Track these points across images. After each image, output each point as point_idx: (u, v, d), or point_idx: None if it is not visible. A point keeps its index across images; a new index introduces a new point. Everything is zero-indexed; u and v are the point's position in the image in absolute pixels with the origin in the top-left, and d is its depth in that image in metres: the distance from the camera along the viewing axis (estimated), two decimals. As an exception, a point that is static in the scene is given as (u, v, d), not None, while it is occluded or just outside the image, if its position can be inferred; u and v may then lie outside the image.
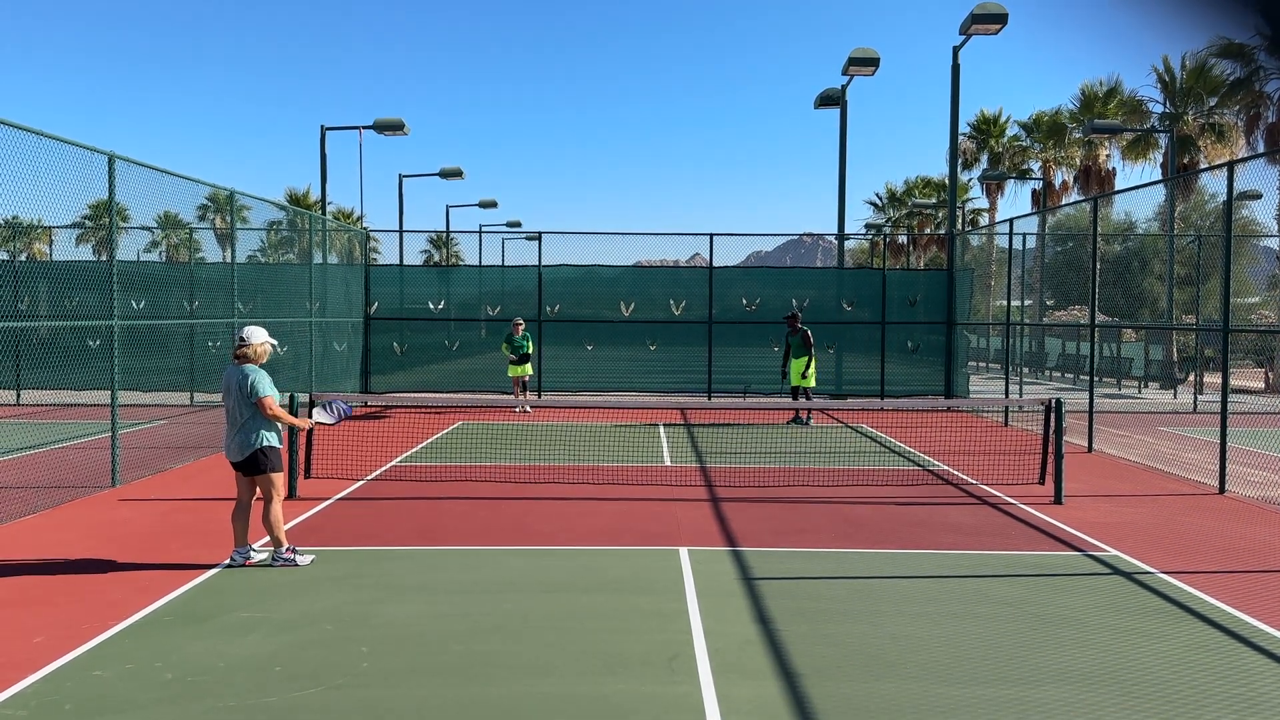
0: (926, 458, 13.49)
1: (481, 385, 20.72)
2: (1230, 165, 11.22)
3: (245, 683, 5.23)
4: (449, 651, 5.73)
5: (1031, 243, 27.75)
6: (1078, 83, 49.38)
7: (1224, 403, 11.28)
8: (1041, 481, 11.21)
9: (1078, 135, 37.77)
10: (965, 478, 11.84)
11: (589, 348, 20.93)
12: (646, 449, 13.97)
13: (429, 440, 14.84)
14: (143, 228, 20.97)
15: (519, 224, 51.87)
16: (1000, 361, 27.80)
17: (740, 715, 4.87)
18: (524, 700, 5.04)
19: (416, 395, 19.81)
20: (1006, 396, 19.18)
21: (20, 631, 6.03)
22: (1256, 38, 20.75)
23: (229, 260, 14.82)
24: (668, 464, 12.79)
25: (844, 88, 24.57)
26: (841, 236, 25.54)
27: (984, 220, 45.71)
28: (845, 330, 21.09)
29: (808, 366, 16.81)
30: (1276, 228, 28.81)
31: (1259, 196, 19.79)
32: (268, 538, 7.70)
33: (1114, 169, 37.68)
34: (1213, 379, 24.98)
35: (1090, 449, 14.19)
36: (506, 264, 25.76)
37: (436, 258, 63.27)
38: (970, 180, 42.78)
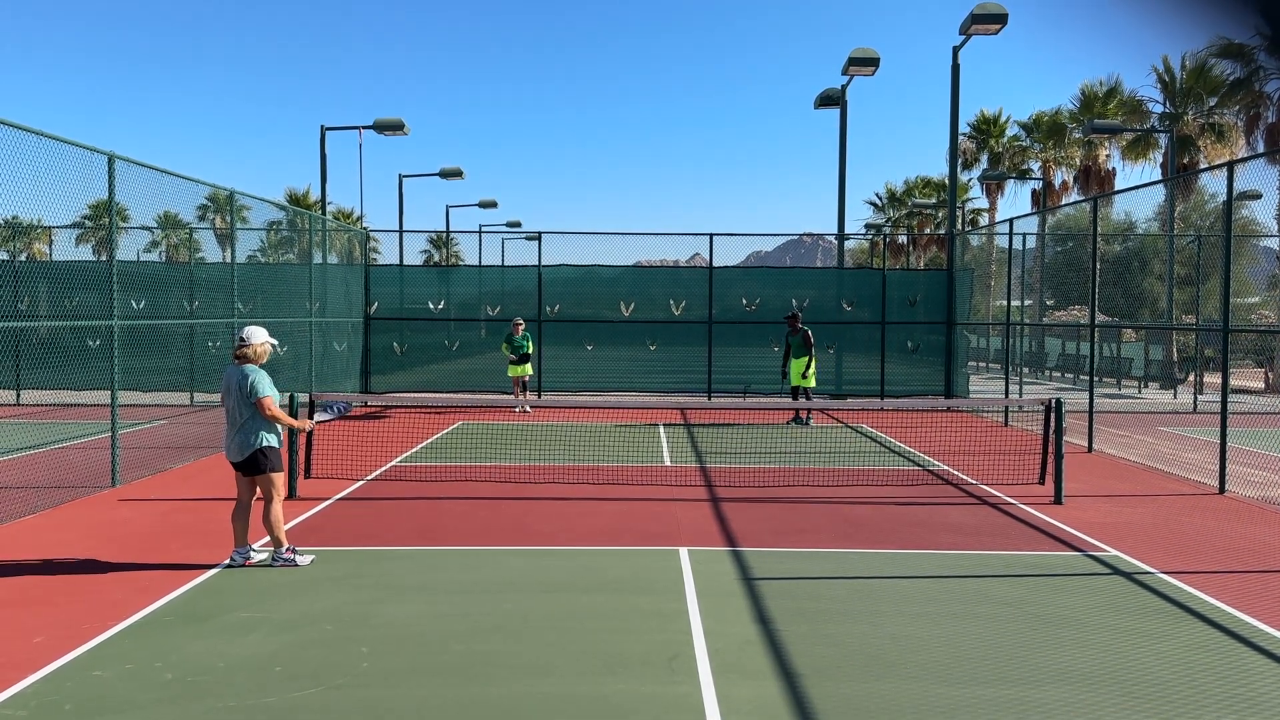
0: (926, 458, 13.49)
1: (481, 385, 20.73)
2: (1230, 165, 11.22)
3: (245, 683, 5.23)
4: (449, 651, 5.73)
5: (1031, 243, 27.76)
6: (1078, 83, 49.43)
7: (1224, 403, 11.28)
8: (1041, 481, 11.21)
9: (1078, 135, 37.78)
10: (965, 478, 11.84)
11: (589, 348, 20.93)
12: (646, 449, 13.97)
13: (429, 440, 14.84)
14: (143, 228, 20.99)
15: (519, 224, 51.91)
16: (1000, 361, 27.80)
17: (740, 715, 4.87)
18: (524, 700, 5.04)
19: (416, 395, 19.81)
20: (1006, 396, 19.18)
21: (20, 631, 6.03)
22: (1256, 38, 20.75)
23: (229, 260, 14.82)
24: (668, 464, 12.79)
25: (844, 88, 24.57)
26: (841, 236, 25.54)
27: (984, 220, 45.72)
28: (845, 330, 21.09)
29: (808, 367, 16.81)
30: (1276, 228, 28.82)
31: (1259, 196, 19.79)
32: (268, 538, 7.70)
33: (1114, 169, 37.73)
34: (1213, 379, 24.98)
35: (1090, 449, 14.19)
36: (506, 264, 25.79)
37: (436, 258, 63.28)
38: (970, 180, 42.81)
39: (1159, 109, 33.61)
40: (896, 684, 5.29)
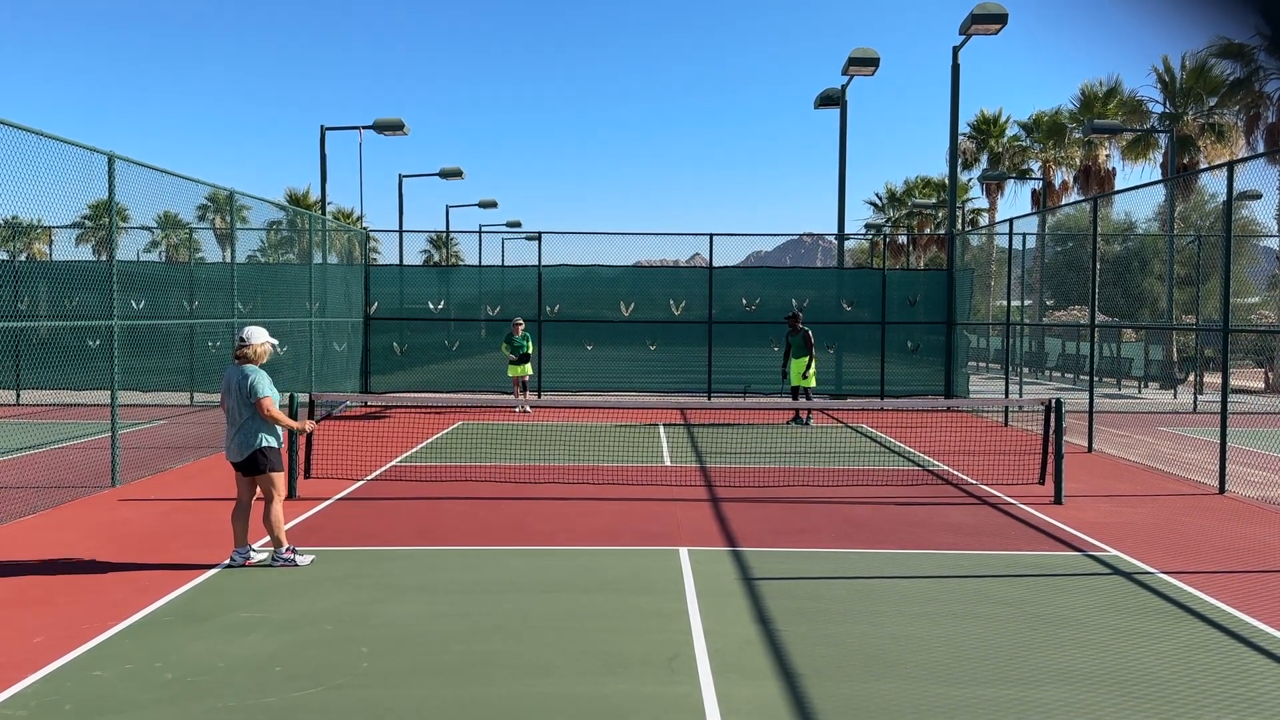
0: (926, 458, 13.49)
1: (481, 385, 20.73)
2: (1230, 165, 11.22)
3: (245, 683, 5.23)
4: (449, 651, 5.73)
5: (1031, 243, 27.76)
6: (1078, 83, 49.43)
7: (1224, 403, 11.28)
8: (1041, 481, 11.21)
9: (1078, 135, 37.78)
10: (965, 478, 11.84)
11: (589, 348, 20.93)
12: (646, 449, 13.97)
13: (429, 440, 14.84)
14: (143, 228, 20.99)
15: (519, 224, 51.91)
16: (1000, 361, 27.80)
17: (740, 715, 4.87)
18: (524, 700, 5.04)
19: (416, 395, 19.81)
20: (1006, 396, 19.18)
21: (20, 631, 6.03)
22: (1256, 38, 20.75)
23: (229, 260, 14.82)
24: (668, 464, 12.79)
25: (844, 88, 24.58)
26: (841, 236, 25.54)
27: (984, 220, 45.72)
28: (845, 330, 21.09)
29: (808, 367, 16.81)
30: (1276, 228, 28.83)
31: (1259, 196, 19.78)
32: (268, 538, 7.70)
33: (1114, 169, 37.74)
34: (1213, 379, 24.98)
35: (1090, 449, 14.19)
36: (506, 264, 25.78)
37: (436, 258, 63.27)
38: (970, 180, 42.81)
39: (1159, 109, 33.63)
40: (896, 684, 5.29)
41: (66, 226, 21.92)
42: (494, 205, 42.91)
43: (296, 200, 48.93)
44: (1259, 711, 4.97)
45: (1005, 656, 5.73)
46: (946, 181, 25.51)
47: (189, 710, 4.89)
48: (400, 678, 5.32)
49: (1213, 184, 38.54)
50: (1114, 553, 8.26)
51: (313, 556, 7.73)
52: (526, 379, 18.82)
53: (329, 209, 27.27)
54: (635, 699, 5.06)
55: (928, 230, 49.66)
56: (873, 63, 22.35)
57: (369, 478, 11.43)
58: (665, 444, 14.59)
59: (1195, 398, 22.41)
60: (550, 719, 4.84)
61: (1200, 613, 6.62)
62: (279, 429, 7.65)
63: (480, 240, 48.00)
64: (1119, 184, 37.91)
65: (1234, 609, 6.66)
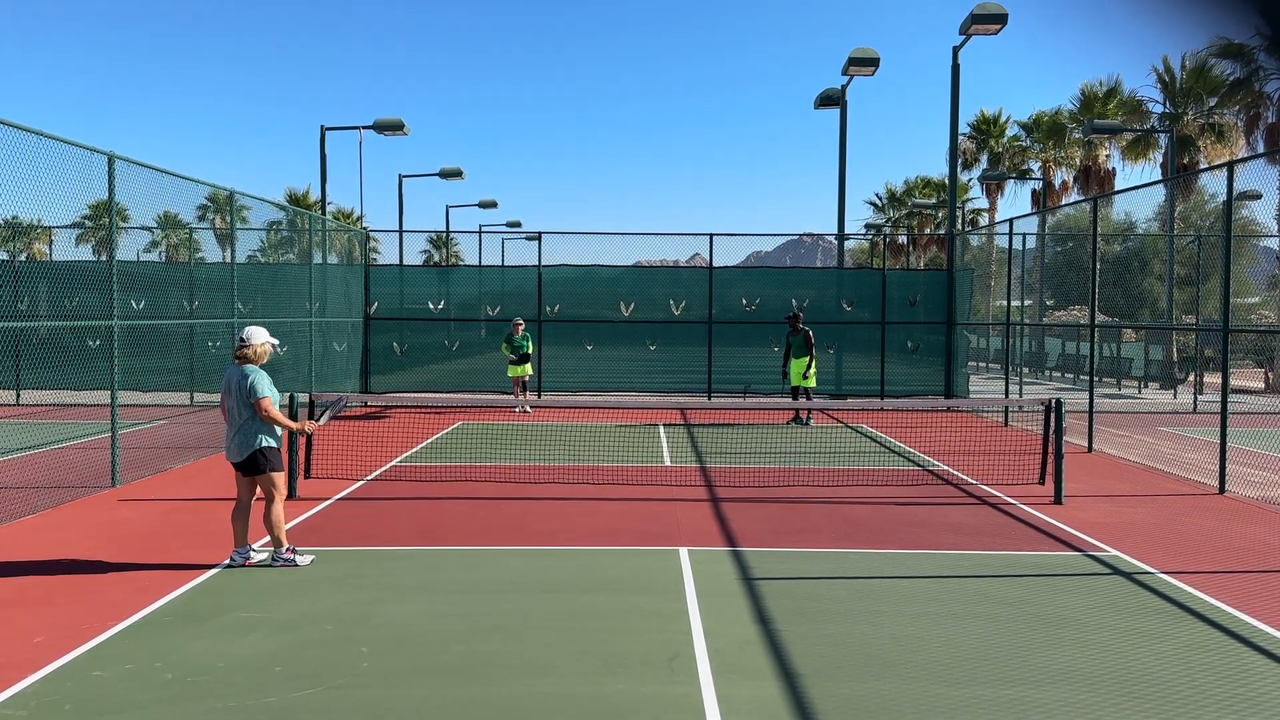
0: (926, 458, 13.49)
1: (481, 385, 20.73)
2: (1230, 165, 11.22)
3: (245, 683, 5.23)
4: (449, 651, 5.73)
5: (1031, 243, 27.76)
6: (1078, 83, 49.38)
7: (1224, 403, 11.28)
8: (1041, 481, 11.21)
9: (1078, 135, 37.78)
10: (965, 478, 11.84)
11: (589, 348, 20.93)
12: (646, 449, 13.97)
13: (429, 440, 14.84)
14: (143, 228, 21.00)
15: (519, 224, 51.91)
16: (1000, 361, 27.80)
17: (740, 715, 4.87)
18: (524, 700, 5.04)
19: (416, 395, 19.81)
20: (1006, 396, 19.18)
21: (20, 631, 6.03)
22: (1256, 38, 20.74)
23: (229, 260, 14.83)
24: (668, 464, 12.79)
25: (844, 88, 24.58)
26: (841, 236, 25.55)
27: (984, 220, 45.72)
28: (845, 330, 21.09)
29: (809, 367, 16.82)
30: (1276, 228, 28.83)
31: (1259, 196, 19.79)
32: (267, 538, 7.70)
33: (1114, 169, 37.73)
34: (1213, 379, 24.98)
35: (1090, 449, 14.19)
36: (506, 264, 25.76)
37: (436, 258, 63.27)
38: (970, 180, 42.81)
39: (1159, 109, 33.63)
40: (896, 684, 5.29)
41: (66, 226, 21.93)
42: (494, 205, 42.92)
43: (296, 200, 48.93)
44: (1259, 711, 4.97)
45: (1005, 656, 5.74)
46: (946, 181, 25.52)
47: (189, 710, 4.89)
48: (400, 678, 5.32)
49: (1213, 184, 38.58)
50: (1114, 553, 8.26)
51: (313, 556, 7.73)
52: (526, 379, 18.82)
53: (329, 209, 27.27)
54: (635, 699, 5.06)
55: (928, 230, 49.67)
56: (873, 63, 22.36)
57: (369, 478, 11.43)
58: (665, 444, 14.59)
59: (1195, 398, 22.41)
60: (550, 719, 4.84)
61: (1200, 613, 6.62)
62: (278, 429, 7.65)
63: (480, 240, 48.03)
64: (1119, 184, 37.96)
65: (1234, 609, 6.66)
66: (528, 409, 18.66)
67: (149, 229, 22.19)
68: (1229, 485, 11.13)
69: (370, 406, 19.03)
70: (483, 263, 39.98)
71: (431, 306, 21.13)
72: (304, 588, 7.00)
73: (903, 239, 50.52)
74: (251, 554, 7.60)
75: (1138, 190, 33.68)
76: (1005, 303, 21.37)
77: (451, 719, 4.83)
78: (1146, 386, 27.44)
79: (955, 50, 19.92)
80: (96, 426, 14.01)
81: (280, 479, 7.68)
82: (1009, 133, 42.21)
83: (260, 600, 6.70)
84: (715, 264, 20.90)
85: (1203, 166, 31.34)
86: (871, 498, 10.56)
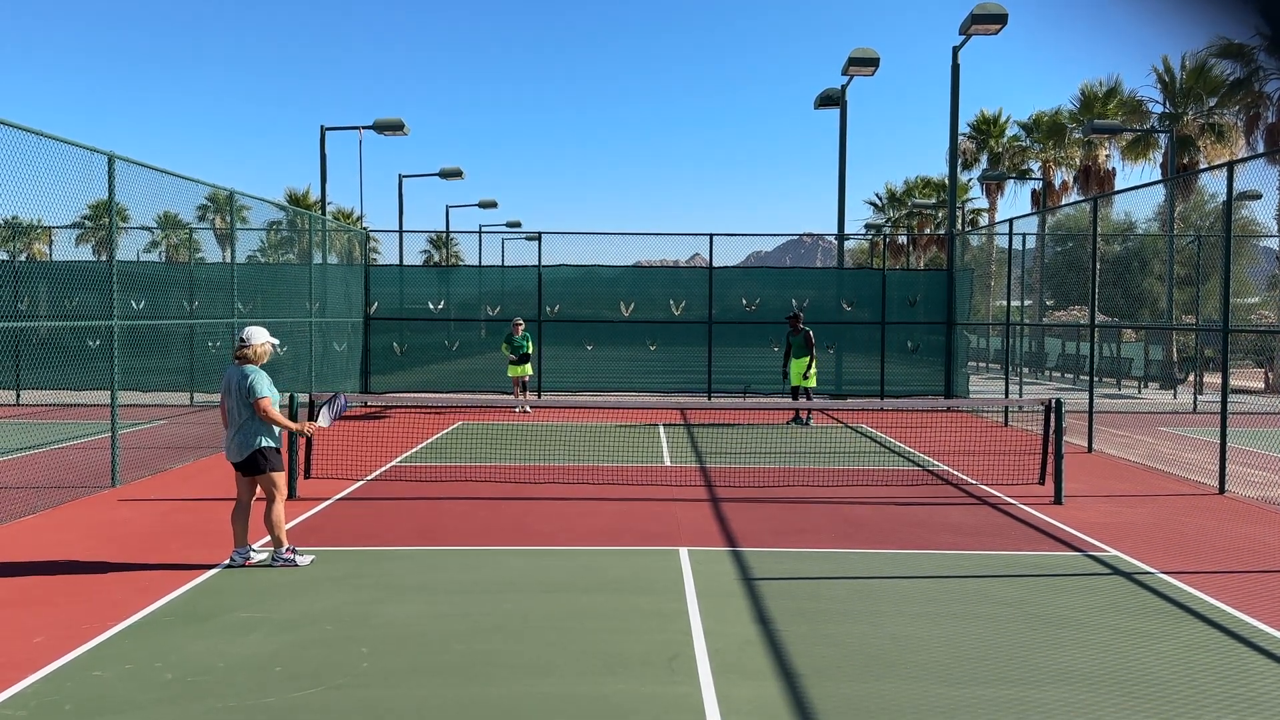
0: (926, 458, 13.49)
1: (481, 385, 20.73)
2: (1230, 165, 11.22)
3: (245, 683, 5.23)
4: (449, 651, 5.73)
5: (1031, 243, 27.76)
6: (1078, 83, 49.38)
7: (1224, 403, 11.28)
8: (1041, 482, 11.21)
9: (1078, 135, 37.78)
10: (965, 478, 11.84)
11: (589, 348, 20.93)
12: (646, 449, 13.97)
13: (429, 440, 14.84)
14: (143, 228, 21.00)
15: (519, 224, 51.91)
16: (1000, 361, 27.80)
17: (740, 715, 4.87)
18: (524, 700, 5.04)
19: (416, 395, 19.82)
20: (1006, 396, 19.19)
21: (20, 631, 6.03)
22: (1256, 38, 20.75)
23: (229, 260, 14.83)
24: (668, 464, 12.79)
25: (844, 88, 24.58)
26: (841, 236, 25.55)
27: (984, 220, 45.72)
28: (845, 330, 21.09)
29: (809, 367, 16.82)
30: (1276, 228, 28.85)
31: (1259, 196, 19.81)
32: (268, 538, 7.70)
33: (1114, 169, 37.74)
34: (1213, 379, 24.98)
35: (1090, 449, 14.19)
36: (506, 264, 25.77)
37: (436, 258, 63.27)
38: (970, 180, 42.81)
39: (1159, 109, 33.64)
40: (896, 684, 5.29)
41: (66, 226, 21.93)
42: (494, 205, 42.91)
43: (296, 200, 48.93)
44: (1259, 711, 4.97)
45: (1005, 656, 5.74)
46: (946, 181, 25.52)
47: (189, 710, 4.89)
48: (400, 678, 5.32)
49: (1213, 184, 38.57)
50: (1114, 553, 8.26)
51: (313, 557, 7.73)
52: (526, 379, 18.82)
53: (329, 209, 27.27)
54: (635, 699, 5.06)
55: (928, 230, 49.66)
56: (873, 63, 22.36)
57: (369, 478, 11.43)
58: (665, 444, 14.59)
59: (1195, 398, 22.41)
60: (550, 719, 4.84)
61: (1200, 613, 6.62)
62: (278, 429, 7.64)
63: (480, 240, 48.02)
64: (1119, 184, 37.96)
65: (1234, 609, 6.66)
66: (528, 409, 18.66)
67: (149, 229, 22.20)
68: (1229, 485, 11.13)
69: (370, 406, 19.03)
70: (483, 263, 40.00)
71: (431, 306, 21.14)
72: (304, 588, 7.00)
73: (903, 239, 50.52)
74: (251, 554, 7.60)
75: (1138, 190, 33.69)
76: (1005, 303, 21.37)
77: (451, 719, 4.83)
78: (1146, 386, 27.44)
79: (955, 50, 19.92)
80: (96, 426, 14.01)
81: (281, 479, 7.68)
82: (1009, 133, 42.22)
83: (260, 600, 6.70)
84: (715, 264, 20.90)
85: (1203, 166, 31.34)
86: (871, 498, 10.56)
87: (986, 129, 42.21)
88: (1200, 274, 24.28)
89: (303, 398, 12.24)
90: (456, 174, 31.67)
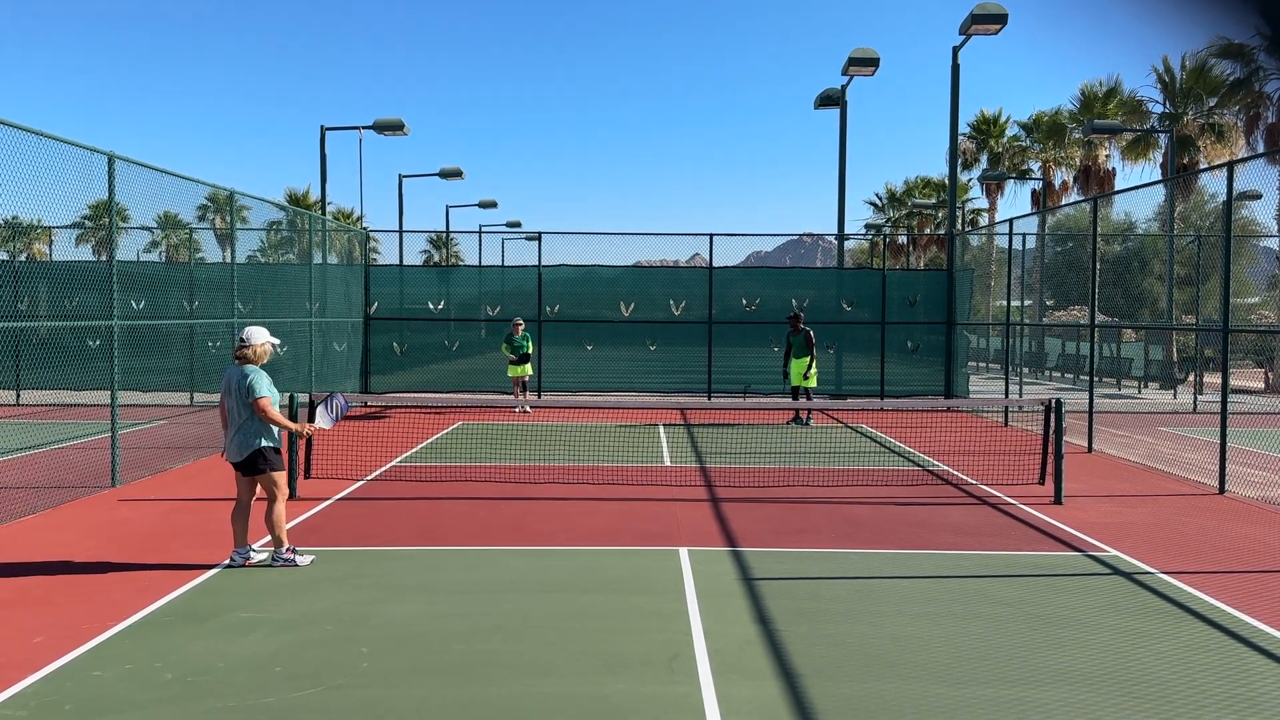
0: (926, 458, 13.49)
1: (481, 385, 20.73)
2: (1230, 165, 11.22)
3: (245, 683, 5.23)
4: (449, 651, 5.73)
5: (1031, 243, 27.75)
6: (1078, 83, 49.41)
7: (1224, 403, 11.28)
8: (1041, 482, 11.21)
9: (1078, 135, 37.79)
10: (965, 478, 11.84)
11: (589, 348, 20.93)
12: (646, 449, 13.97)
13: (429, 440, 14.84)
14: (143, 228, 21.00)
15: (519, 224, 51.90)
16: (1000, 361, 27.80)
17: (740, 715, 4.87)
18: (524, 700, 5.04)
19: (416, 395, 19.82)
20: (1006, 396, 19.19)
21: (20, 631, 6.03)
22: (1256, 38, 20.75)
23: (229, 260, 14.83)
24: (668, 464, 12.79)
25: (844, 88, 24.58)
26: (841, 236, 25.55)
27: (984, 220, 45.72)
28: (845, 330, 21.09)
29: (810, 367, 16.82)
30: (1276, 228, 28.84)
31: (1259, 196, 19.81)
32: (268, 538, 7.70)
33: (1114, 169, 37.75)
34: (1213, 379, 24.97)
35: (1090, 449, 14.19)
36: (506, 264, 25.76)
37: (436, 258, 63.27)
38: (970, 180, 42.81)
39: (1159, 109, 33.64)
40: (896, 684, 5.29)
41: (66, 226, 21.94)
42: (494, 205, 42.92)
43: (296, 200, 48.93)
44: (1259, 711, 4.97)
45: (1005, 656, 5.74)
46: (946, 182, 25.52)
47: (189, 710, 4.89)
48: (400, 678, 5.32)
49: (1213, 184, 38.58)
50: (1114, 553, 8.26)
51: (313, 557, 7.73)
52: (526, 379, 18.82)
53: (329, 209, 27.27)
54: (635, 699, 5.06)
55: (928, 230, 49.66)
56: (873, 63, 22.36)
57: (369, 478, 11.43)
58: (665, 444, 14.59)
59: (1195, 398, 22.41)
60: (550, 719, 4.84)
61: (1200, 613, 6.62)
62: (277, 429, 7.63)
63: (480, 240, 48.02)
64: (1119, 184, 37.96)
65: (1234, 609, 6.66)
66: (528, 409, 18.66)
67: (149, 229, 22.20)
68: (1229, 485, 11.13)
69: (370, 406, 19.03)
70: (483, 263, 39.99)
71: (431, 306, 21.14)
72: (304, 588, 7.00)
73: (903, 239, 50.52)
74: (251, 554, 7.60)
75: (1138, 190, 33.69)
76: (1005, 303, 21.37)
77: (451, 719, 4.83)
78: (1146, 386, 27.43)
79: (955, 50, 19.92)
80: (96, 426, 14.01)
81: (281, 479, 7.68)
82: (1009, 133, 42.22)
83: (260, 600, 6.70)
84: (715, 264, 20.90)
85: (1203, 166, 31.35)
86: (871, 498, 10.56)
87: (986, 129, 42.22)
88: (1200, 274, 24.28)
89: (303, 398, 12.24)
90: (456, 174, 31.68)
